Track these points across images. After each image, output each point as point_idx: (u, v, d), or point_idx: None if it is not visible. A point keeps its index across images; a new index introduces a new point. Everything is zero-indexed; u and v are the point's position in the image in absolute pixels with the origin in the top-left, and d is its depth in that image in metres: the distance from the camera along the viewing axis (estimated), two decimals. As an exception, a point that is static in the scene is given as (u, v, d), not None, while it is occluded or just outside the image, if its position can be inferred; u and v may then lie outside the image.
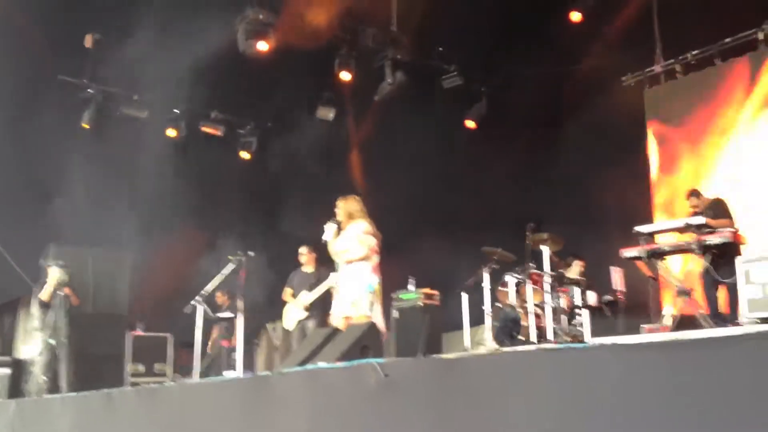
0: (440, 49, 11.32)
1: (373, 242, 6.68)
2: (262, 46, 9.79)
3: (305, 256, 8.93)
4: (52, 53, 9.86)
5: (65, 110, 10.45)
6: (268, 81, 10.64)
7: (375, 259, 6.69)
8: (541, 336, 8.03)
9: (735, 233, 6.77)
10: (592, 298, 8.35)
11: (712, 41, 10.10)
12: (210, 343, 10.43)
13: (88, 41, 9.89)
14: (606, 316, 8.44)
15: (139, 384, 9.60)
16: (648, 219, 9.47)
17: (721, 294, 7.34)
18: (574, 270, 9.00)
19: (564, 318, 8.16)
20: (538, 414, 2.97)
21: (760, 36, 9.70)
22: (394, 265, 7.21)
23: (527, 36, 10.22)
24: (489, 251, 8.73)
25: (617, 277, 8.15)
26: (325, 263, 8.59)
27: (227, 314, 9.52)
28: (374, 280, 6.62)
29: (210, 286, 8.20)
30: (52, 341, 8.76)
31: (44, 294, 9.03)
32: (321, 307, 8.61)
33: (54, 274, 8.97)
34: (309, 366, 4.87)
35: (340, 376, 4.16)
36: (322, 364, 4.72)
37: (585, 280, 8.47)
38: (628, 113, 10.86)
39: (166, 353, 10.82)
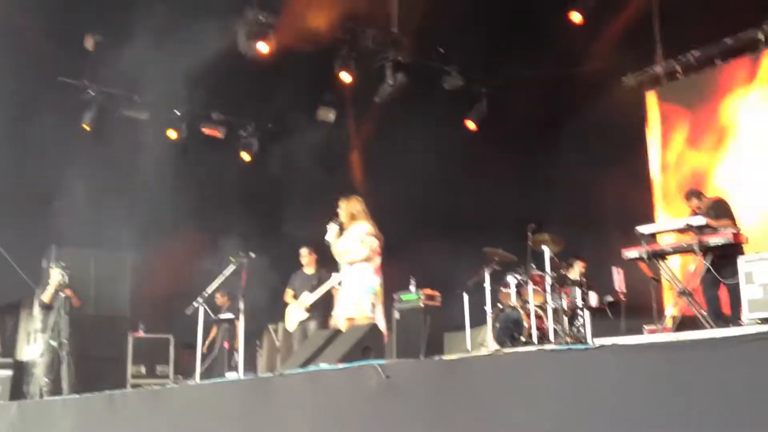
0: (440, 50, 11.32)
1: (375, 243, 6.68)
2: (263, 47, 9.79)
3: (306, 257, 8.93)
4: (53, 55, 9.86)
5: (66, 112, 10.46)
6: (269, 82, 10.64)
7: (377, 260, 6.69)
8: (543, 337, 8.03)
9: (736, 234, 6.76)
10: (593, 298, 8.34)
11: (713, 41, 10.09)
12: (207, 343, 10.44)
13: (89, 43, 9.89)
14: (607, 317, 8.44)
15: (140, 385, 9.62)
16: (649, 219, 9.45)
17: (723, 294, 7.35)
18: (576, 271, 8.99)
19: (565, 319, 8.16)
20: (539, 415, 2.97)
21: (761, 36, 9.70)
22: (395, 266, 7.22)
23: (527, 37, 10.21)
24: (490, 252, 8.73)
25: (618, 278, 8.15)
26: (326, 264, 8.60)
27: (228, 315, 9.53)
28: (376, 282, 6.62)
29: (211, 288, 8.22)
30: (54, 343, 8.77)
31: (46, 296, 9.04)
32: (322, 308, 8.62)
33: (55, 276, 8.98)
34: (310, 367, 4.88)
35: (341, 378, 4.17)
36: (323, 366, 4.72)
37: (586, 281, 8.47)
38: (629, 114, 10.85)
39: (168, 355, 10.82)
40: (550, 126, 11.11)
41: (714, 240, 6.63)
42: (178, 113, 11.73)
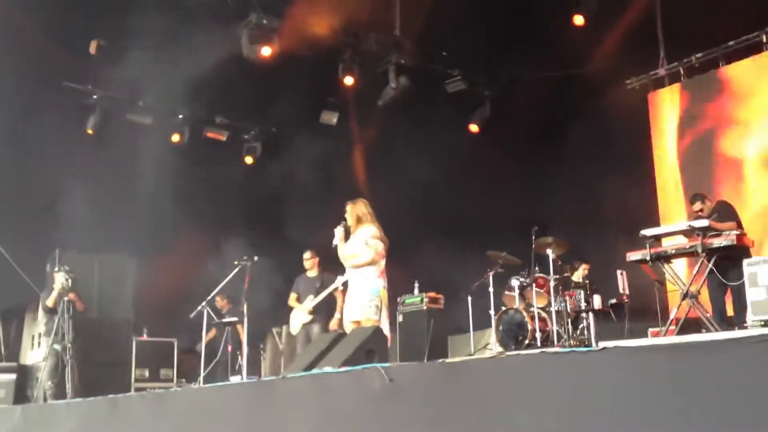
0: (444, 53, 11.33)
1: (380, 247, 6.68)
2: (266, 51, 9.81)
3: (309, 260, 8.93)
4: (57, 59, 9.88)
5: (70, 116, 10.47)
6: (272, 86, 10.65)
7: (382, 263, 6.70)
8: (546, 340, 8.03)
9: (740, 236, 6.75)
10: (597, 301, 8.33)
11: (716, 44, 10.09)
12: (198, 346, 10.45)
13: (93, 47, 9.91)
14: (611, 320, 8.43)
15: (144, 389, 9.62)
16: (653, 222, 9.44)
17: (728, 297, 7.33)
18: (579, 273, 8.99)
19: (569, 321, 8.16)
20: (542, 418, 2.97)
21: (764, 38, 9.70)
22: (399, 268, 7.21)
23: (530, 40, 10.22)
24: (494, 255, 8.73)
25: (622, 281, 8.14)
26: (329, 268, 8.60)
27: (233, 319, 9.52)
28: (380, 285, 6.63)
29: (216, 291, 8.24)
30: (58, 347, 8.77)
31: (49, 300, 9.05)
32: (325, 311, 8.62)
33: (59, 280, 8.98)
34: (314, 370, 4.88)
35: (344, 381, 4.17)
36: (327, 369, 4.72)
37: (590, 284, 8.46)
38: (633, 116, 10.86)
39: (171, 358, 10.82)
40: (553, 129, 11.11)
41: (718, 242, 6.61)
42: (182, 117, 11.74)
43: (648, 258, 6.92)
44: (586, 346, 7.40)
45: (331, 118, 11.94)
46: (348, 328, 6.50)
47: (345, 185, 11.12)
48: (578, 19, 10.15)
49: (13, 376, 10.22)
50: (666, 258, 6.99)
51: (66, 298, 8.85)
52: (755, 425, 2.31)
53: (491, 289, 8.60)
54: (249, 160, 12.48)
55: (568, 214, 10.02)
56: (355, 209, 6.86)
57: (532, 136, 11.32)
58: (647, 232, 7.01)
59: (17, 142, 9.80)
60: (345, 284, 7.68)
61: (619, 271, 8.12)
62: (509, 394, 3.17)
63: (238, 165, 12.37)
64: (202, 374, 8.25)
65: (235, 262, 7.87)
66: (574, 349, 3.88)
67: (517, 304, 8.56)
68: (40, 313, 9.83)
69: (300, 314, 8.70)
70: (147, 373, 10.50)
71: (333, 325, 8.51)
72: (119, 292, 10.55)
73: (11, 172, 9.89)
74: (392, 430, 3.67)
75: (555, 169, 10.96)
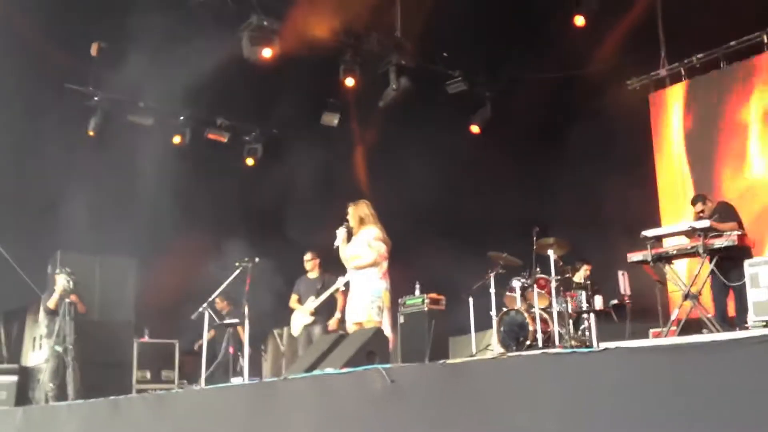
0: (444, 54, 11.33)
1: (383, 248, 6.68)
2: (267, 52, 9.81)
3: (310, 262, 8.94)
4: (58, 61, 9.89)
5: (71, 118, 10.48)
6: (273, 87, 10.65)
7: (384, 265, 6.70)
8: (548, 341, 8.02)
9: (741, 236, 6.75)
10: (598, 302, 8.33)
11: (717, 44, 10.09)
12: (200, 343, 10.45)
13: (94, 49, 9.92)
14: (612, 321, 8.43)
15: (145, 391, 9.62)
16: (654, 223, 9.44)
17: (729, 297, 7.33)
18: (581, 274, 8.98)
19: (570, 322, 8.15)
20: (543, 419, 2.97)
21: (765, 39, 9.69)
22: (400, 269, 7.21)
23: (531, 41, 10.22)
24: (495, 256, 8.73)
25: (623, 281, 8.14)
26: (330, 269, 8.60)
27: (234, 320, 9.52)
28: (382, 286, 6.63)
29: (217, 293, 8.24)
30: (59, 348, 8.78)
31: (51, 301, 9.05)
32: (327, 312, 8.63)
33: (60, 282, 8.99)
34: (315, 372, 4.88)
35: (346, 382, 4.17)
36: (328, 370, 4.73)
37: (591, 285, 8.46)
38: (634, 116, 10.85)
39: (173, 360, 10.82)
40: (554, 129, 11.11)
41: (719, 243, 6.61)
42: (183, 119, 11.75)
43: (649, 259, 6.92)
44: (587, 347, 7.40)
45: (332, 119, 11.94)
46: (351, 329, 6.50)
47: (346, 186, 11.12)
48: (579, 20, 10.15)
49: (14, 378, 10.23)
50: (667, 259, 6.99)
51: (67, 300, 8.86)
52: (757, 426, 2.31)
53: (492, 290, 8.59)
54: (250, 161, 12.49)
55: (569, 214, 10.02)
56: (358, 210, 6.85)
57: (533, 137, 11.31)
58: (648, 232, 7.01)
59: (18, 144, 9.81)
60: (346, 285, 7.69)
61: (620, 272, 8.12)
62: (511, 396, 3.17)
63: (239, 166, 12.37)
64: (203, 375, 8.25)
65: (236, 264, 7.87)
66: (575, 350, 3.88)
67: (519, 305, 8.56)
68: (42, 314, 9.84)
69: (301, 315, 8.70)
70: (148, 375, 10.50)
71: (332, 324, 8.51)
72: (120, 293, 10.56)
73: (13, 174, 9.90)
74: (394, 431, 3.67)
75: (556, 169, 10.96)
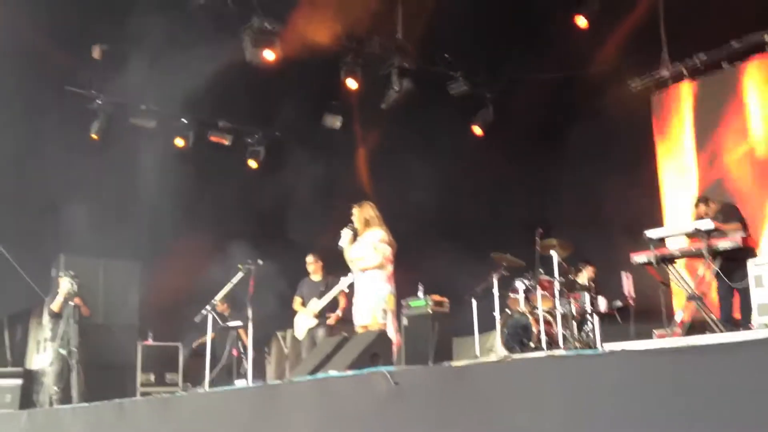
0: (446, 55, 11.33)
1: (388, 251, 6.68)
2: (269, 55, 9.82)
3: (312, 264, 8.94)
4: (61, 64, 9.92)
5: (74, 121, 10.50)
6: (275, 90, 10.66)
7: (389, 267, 6.70)
8: (552, 342, 8.01)
9: (745, 237, 6.73)
10: (602, 303, 8.32)
11: (719, 44, 10.08)
12: (198, 343, 10.47)
13: (96, 52, 9.94)
14: (616, 322, 8.41)
15: (149, 393, 9.63)
16: (658, 224, 9.43)
17: (734, 299, 7.32)
18: (584, 275, 8.97)
19: (574, 324, 8.14)
20: (547, 421, 2.96)
21: (767, 38, 9.68)
22: (404, 272, 7.21)
23: (533, 41, 10.21)
24: (498, 257, 8.72)
25: (627, 283, 8.12)
26: (333, 271, 8.61)
27: (237, 323, 9.53)
28: (387, 289, 6.63)
29: (220, 295, 8.24)
30: (63, 351, 8.79)
31: (55, 305, 9.07)
32: (330, 314, 8.64)
33: (64, 285, 9.01)
34: (319, 374, 4.88)
35: (350, 385, 4.17)
36: (332, 373, 4.72)
37: (595, 286, 8.44)
38: (636, 117, 10.84)
39: (177, 362, 10.83)
40: (556, 130, 11.11)
41: (723, 244, 6.59)
42: (186, 121, 11.77)
43: (653, 260, 6.90)
44: (591, 348, 7.39)
45: (335, 121, 11.95)
46: (359, 332, 6.50)
47: (348, 188, 11.13)
48: (580, 20, 10.15)
49: (18, 381, 10.24)
50: (671, 260, 6.98)
51: (71, 303, 8.88)
52: (762, 428, 2.30)
53: (496, 292, 8.58)
54: (252, 164, 12.50)
55: (572, 215, 10.02)
56: (363, 212, 6.85)
57: (536, 138, 11.31)
58: (652, 233, 6.99)
59: (22, 147, 9.83)
60: (349, 286, 7.70)
61: (624, 273, 8.11)
62: (515, 398, 3.17)
63: (241, 169, 12.39)
64: (207, 378, 8.25)
65: (240, 266, 7.87)
66: (579, 352, 3.88)
67: (522, 306, 8.55)
68: (46, 317, 9.86)
69: (305, 318, 8.71)
70: (152, 378, 10.52)
71: (332, 321, 8.51)
72: (124, 296, 10.58)
73: (16, 177, 9.92)
74: (398, 434, 3.67)
75: (559, 170, 10.95)
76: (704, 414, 2.46)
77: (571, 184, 10.74)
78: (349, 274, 7.53)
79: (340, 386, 4.25)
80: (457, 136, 11.70)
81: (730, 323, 7.05)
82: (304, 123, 11.87)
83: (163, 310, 10.80)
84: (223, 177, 12.00)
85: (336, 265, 8.21)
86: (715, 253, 6.60)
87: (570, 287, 8.30)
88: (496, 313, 8.52)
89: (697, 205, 7.93)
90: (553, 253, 8.06)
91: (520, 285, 8.71)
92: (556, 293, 7.96)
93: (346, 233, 6.84)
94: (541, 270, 8.37)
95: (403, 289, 8.73)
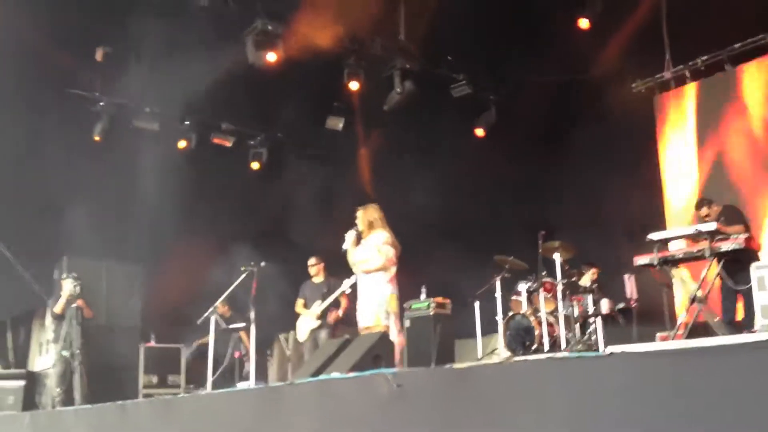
0: (449, 58, 11.33)
1: (391, 253, 6.69)
2: (271, 57, 9.83)
3: (314, 267, 8.95)
4: (64, 66, 9.93)
5: (77, 123, 10.52)
6: (278, 92, 10.67)
7: (392, 269, 6.71)
8: (554, 344, 8.01)
9: (748, 239, 6.72)
10: (604, 306, 8.31)
11: (722, 47, 10.07)
12: (199, 343, 10.49)
13: (99, 54, 9.96)
14: (619, 324, 8.40)
15: (152, 395, 9.63)
16: (660, 226, 9.41)
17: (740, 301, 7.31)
18: (587, 278, 8.96)
19: (576, 326, 8.13)
20: (550, 423, 2.96)
21: (771, 40, 9.67)
22: (406, 274, 7.22)
23: (535, 44, 10.20)
24: (501, 260, 8.72)
25: (630, 285, 8.11)
26: (335, 273, 8.62)
27: (239, 325, 9.54)
28: (389, 291, 6.64)
29: (223, 297, 8.25)
30: (66, 353, 8.80)
31: (58, 306, 9.08)
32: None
33: (67, 287, 9.02)
34: (321, 376, 4.88)
35: (352, 387, 4.17)
36: (334, 375, 4.73)
37: (598, 288, 8.44)
38: (639, 119, 10.83)
39: (179, 364, 10.84)
40: (559, 133, 11.09)
41: (725, 246, 6.58)
42: (189, 123, 11.78)
43: (656, 262, 6.89)
44: (594, 351, 7.38)
45: (337, 123, 11.95)
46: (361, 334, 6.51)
47: (351, 190, 11.13)
48: (583, 23, 10.14)
49: (21, 383, 10.26)
50: (674, 262, 6.97)
51: (74, 305, 8.89)
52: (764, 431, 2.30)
53: (498, 294, 8.58)
54: (255, 165, 12.51)
55: (574, 218, 10.00)
56: (367, 214, 6.87)
57: (538, 140, 11.30)
58: (654, 236, 6.98)
59: (24, 149, 9.84)
60: (351, 288, 7.70)
61: (626, 275, 8.10)
62: (517, 400, 3.16)
63: (244, 171, 12.40)
64: (210, 380, 8.25)
65: (242, 268, 7.88)
66: (581, 354, 3.87)
67: (525, 308, 8.55)
68: (48, 319, 9.87)
69: (307, 320, 8.71)
70: (155, 380, 10.52)
71: (331, 319, 8.51)
72: (127, 298, 10.59)
73: (19, 179, 9.94)
74: (400, 436, 3.66)
75: (561, 172, 10.94)
76: (706, 416, 2.45)
77: (574, 186, 10.73)
78: (352, 276, 7.54)
79: (343, 388, 4.25)
80: (459, 137, 11.70)
81: (733, 326, 7.04)
82: (306, 125, 11.87)
83: (166, 312, 10.81)
84: (226, 179, 12.01)
85: (338, 267, 8.22)
86: (717, 255, 6.59)
87: (573, 289, 8.29)
88: (499, 316, 8.52)
89: (699, 208, 7.92)
90: (555, 255, 8.05)
91: (522, 287, 8.71)
92: (559, 295, 7.95)
93: (350, 235, 6.85)
94: (543, 272, 8.37)
95: (406, 291, 8.73)
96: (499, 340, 8.52)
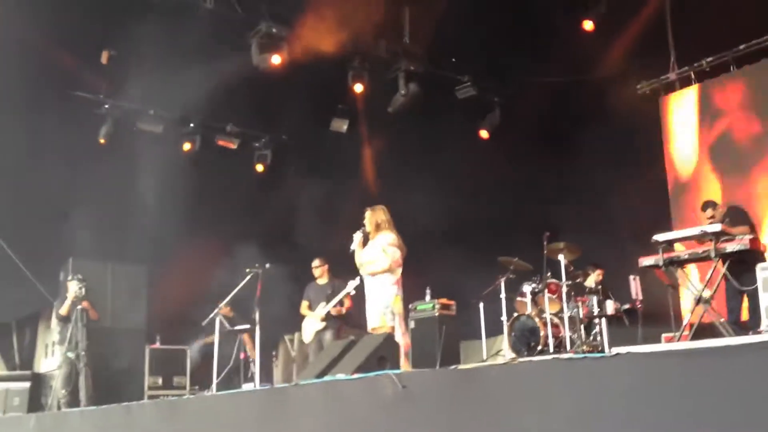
0: (453, 59, 11.34)
1: (397, 254, 6.70)
2: (276, 59, 9.85)
3: (318, 268, 8.96)
4: (68, 69, 9.96)
5: (81, 125, 10.54)
6: (282, 94, 10.69)
7: (398, 271, 6.73)
8: (559, 345, 8.00)
9: (753, 240, 6.70)
10: (610, 307, 8.29)
11: (727, 48, 10.05)
12: (203, 343, 10.49)
13: (104, 57, 9.98)
14: (624, 325, 8.39)
15: (157, 397, 9.65)
16: (666, 227, 9.40)
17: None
18: (592, 279, 8.95)
19: (581, 327, 8.12)
20: (555, 424, 2.96)
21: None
22: (411, 275, 7.22)
23: (540, 46, 10.21)
24: (506, 261, 8.71)
25: (635, 286, 8.10)
26: (339, 274, 8.62)
27: (245, 326, 9.55)
28: (394, 291, 6.65)
29: (228, 299, 8.26)
30: (71, 355, 8.82)
31: (63, 308, 9.10)
32: (337, 318, 8.64)
33: (73, 289, 9.04)
34: (326, 377, 4.89)
35: (357, 388, 4.17)
36: (339, 376, 4.73)
37: (603, 289, 8.42)
38: (644, 121, 10.82)
39: (184, 366, 10.85)
40: (564, 134, 11.09)
41: (731, 247, 6.56)
42: (193, 126, 11.80)
43: (661, 263, 6.87)
44: (599, 351, 7.37)
45: (342, 125, 11.96)
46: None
47: (355, 192, 11.14)
48: (588, 24, 10.14)
49: (27, 385, 10.28)
50: (679, 263, 6.95)
51: (79, 307, 8.91)
52: (770, 431, 2.30)
53: (503, 295, 8.58)
54: (260, 167, 12.52)
55: (579, 219, 9.98)
56: (375, 216, 6.89)
57: (543, 142, 11.29)
58: (660, 237, 6.97)
59: (29, 152, 9.87)
60: (356, 288, 7.71)
61: (632, 277, 8.08)
62: (522, 401, 3.17)
63: (248, 173, 12.41)
64: (215, 381, 8.27)
65: (247, 270, 7.89)
66: (587, 355, 3.87)
67: (530, 310, 8.54)
68: (54, 321, 9.89)
69: (312, 322, 8.72)
70: (160, 381, 10.53)
71: (334, 311, 8.51)
72: (132, 300, 10.61)
73: (25, 182, 9.97)
74: (405, 437, 3.67)
75: (566, 174, 10.93)
76: (711, 417, 2.45)
77: (579, 188, 10.72)
78: (356, 278, 7.55)
79: (348, 389, 4.26)
80: (463, 139, 11.69)
81: (739, 326, 7.02)
82: (310, 127, 11.88)
83: (171, 314, 10.82)
84: (230, 181, 12.02)
85: (342, 269, 8.22)
86: (723, 256, 6.57)
87: (578, 290, 8.28)
88: (504, 317, 8.51)
89: (704, 209, 7.90)
90: (560, 256, 8.04)
91: (527, 288, 8.70)
92: (564, 296, 7.94)
93: (357, 236, 6.87)
94: (548, 273, 8.36)
95: (411, 293, 8.74)
96: (504, 341, 8.51)
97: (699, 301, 6.64)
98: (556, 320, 8.21)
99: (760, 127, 9.92)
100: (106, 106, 10.91)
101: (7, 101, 9.13)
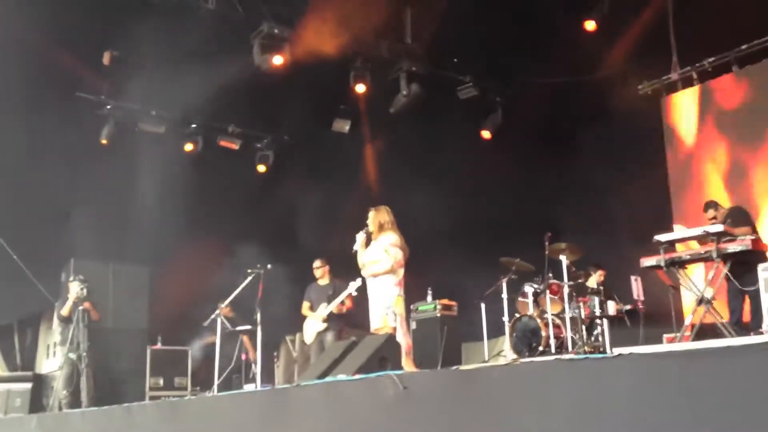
0: (455, 60, 11.34)
1: (399, 255, 6.70)
2: (278, 60, 9.85)
3: (320, 269, 8.96)
4: (70, 70, 9.96)
5: (83, 126, 10.55)
6: (284, 94, 10.69)
7: (400, 272, 6.72)
8: (561, 346, 8.00)
9: (755, 240, 6.70)
10: (611, 307, 8.29)
11: (729, 48, 10.05)
12: (205, 343, 10.49)
13: (106, 58, 9.99)
14: (626, 326, 8.39)
15: (158, 397, 9.64)
16: (667, 227, 9.40)
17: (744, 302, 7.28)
18: (594, 279, 8.95)
19: (583, 328, 8.12)
20: (557, 425, 2.95)
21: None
22: (412, 276, 7.22)
23: (542, 46, 10.20)
24: (507, 262, 8.71)
25: (637, 287, 8.09)
26: (340, 275, 8.62)
27: (246, 327, 9.55)
28: (396, 292, 6.64)
29: (230, 299, 8.26)
30: (73, 356, 8.83)
31: (65, 309, 9.11)
32: (339, 318, 8.64)
33: (74, 289, 9.05)
34: (328, 378, 4.88)
35: (358, 389, 4.17)
36: (340, 377, 4.73)
37: (604, 290, 8.42)
38: (645, 121, 10.82)
39: (186, 367, 10.85)
40: (566, 134, 11.09)
41: (732, 247, 6.56)
42: (195, 126, 11.81)
43: (662, 264, 6.87)
44: (600, 352, 7.37)
45: (343, 125, 11.97)
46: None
47: (356, 193, 11.14)
48: (590, 25, 10.13)
49: (28, 385, 10.28)
50: (680, 263, 6.95)
51: (81, 307, 8.91)
52: (772, 432, 2.29)
53: (505, 296, 8.57)
54: (261, 168, 12.53)
55: (581, 219, 9.99)
56: (378, 216, 6.88)
57: (545, 142, 11.29)
58: (661, 237, 6.97)
59: (30, 152, 9.87)
60: (357, 289, 7.70)
61: (633, 277, 8.08)
62: (524, 401, 3.16)
63: (250, 173, 12.41)
64: (216, 382, 8.27)
65: (248, 270, 7.88)
66: (588, 355, 3.86)
67: (531, 310, 8.54)
68: (55, 322, 9.89)
69: (314, 322, 8.71)
70: (161, 382, 10.52)
71: (337, 309, 8.50)
72: (133, 301, 10.60)
73: (26, 182, 9.97)
74: (406, 438, 3.66)
75: (568, 174, 10.93)
76: (713, 418, 2.45)
77: (580, 188, 10.72)
78: (357, 279, 7.54)
79: (349, 390, 4.25)
80: (465, 139, 11.69)
81: (740, 327, 7.02)
82: (312, 128, 11.89)
83: (172, 315, 10.82)
84: (232, 181, 12.02)
85: (343, 270, 8.22)
86: (724, 257, 6.57)
87: (579, 291, 8.28)
88: (505, 317, 8.51)
89: (706, 210, 7.90)
90: (562, 257, 8.04)
91: (529, 289, 8.70)
92: (566, 297, 7.94)
93: (360, 236, 6.87)
94: (550, 274, 8.36)
95: (412, 293, 8.73)
96: (506, 341, 8.51)
97: (701, 301, 6.64)
98: (557, 321, 8.21)
99: (761, 127, 9.91)
100: (108, 106, 10.91)
101: (7, 101, 9.14)
